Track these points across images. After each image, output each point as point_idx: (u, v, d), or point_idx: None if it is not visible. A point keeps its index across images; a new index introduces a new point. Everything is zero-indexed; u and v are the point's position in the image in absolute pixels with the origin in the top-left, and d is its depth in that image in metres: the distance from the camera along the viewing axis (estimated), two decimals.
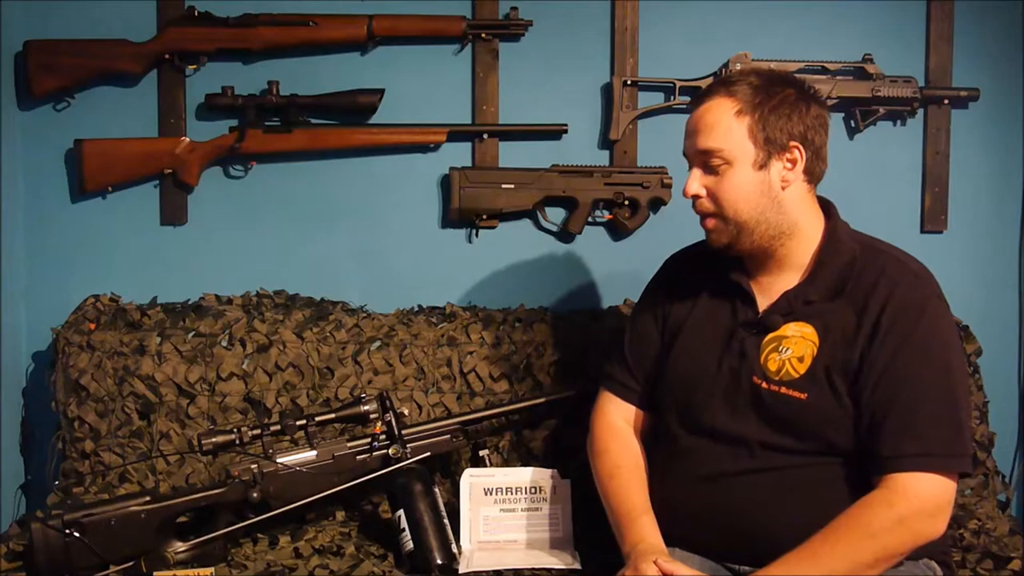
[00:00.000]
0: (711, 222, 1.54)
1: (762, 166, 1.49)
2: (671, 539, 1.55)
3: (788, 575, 1.37)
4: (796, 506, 1.45)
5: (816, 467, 1.47)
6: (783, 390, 1.48)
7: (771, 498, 1.47)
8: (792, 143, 1.49)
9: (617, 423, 1.70)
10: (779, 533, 1.43)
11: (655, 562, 1.42)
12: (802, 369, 1.47)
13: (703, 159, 1.52)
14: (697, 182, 1.53)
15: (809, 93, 1.53)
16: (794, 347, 1.49)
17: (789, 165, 1.50)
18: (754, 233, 1.51)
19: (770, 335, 1.52)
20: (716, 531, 1.51)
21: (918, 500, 1.38)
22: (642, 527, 1.53)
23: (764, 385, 1.49)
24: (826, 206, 1.58)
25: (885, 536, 1.37)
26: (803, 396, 1.46)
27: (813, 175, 1.53)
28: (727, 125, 1.49)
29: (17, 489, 2.22)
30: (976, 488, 2.02)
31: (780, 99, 1.49)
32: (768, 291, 1.55)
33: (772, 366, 1.50)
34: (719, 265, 1.60)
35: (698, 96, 1.56)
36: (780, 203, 1.51)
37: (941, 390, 1.43)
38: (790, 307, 1.52)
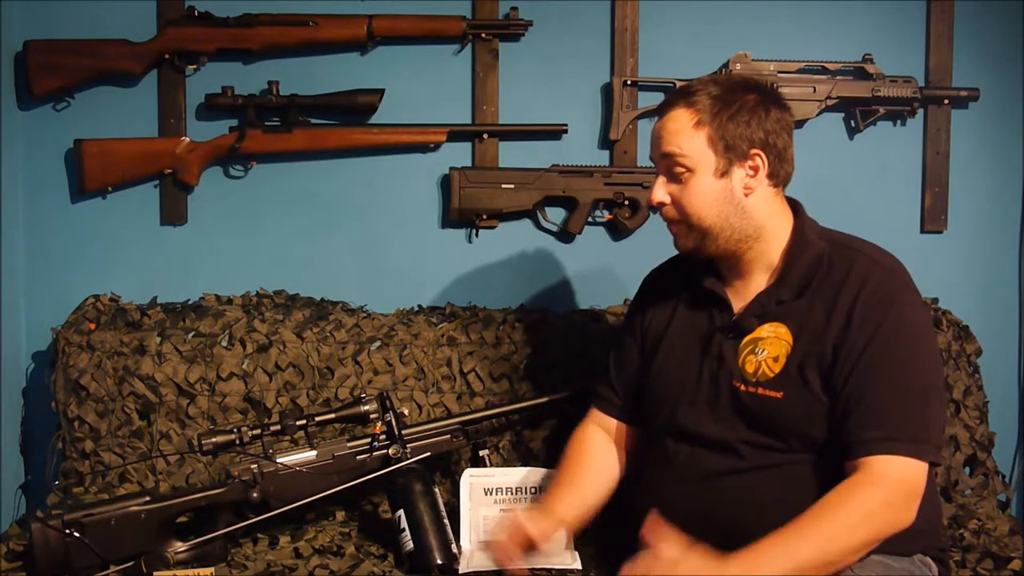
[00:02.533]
0: (676, 228, 1.57)
1: (724, 174, 1.51)
2: None
3: (771, 553, 1.36)
4: (786, 502, 1.45)
5: (802, 464, 1.47)
6: (760, 390, 1.49)
7: (761, 496, 1.48)
8: (753, 150, 1.51)
9: (588, 431, 1.75)
10: (771, 530, 1.43)
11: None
12: (777, 368, 1.49)
13: (666, 165, 1.54)
14: (662, 189, 1.55)
15: (771, 97, 1.54)
16: (769, 347, 1.50)
17: (751, 172, 1.52)
18: (719, 238, 1.53)
19: (747, 338, 1.53)
20: (711, 532, 1.51)
21: (895, 483, 1.39)
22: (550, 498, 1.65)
23: (742, 387, 1.51)
24: (794, 205, 1.59)
25: (876, 519, 1.37)
26: (779, 395, 1.47)
27: (778, 178, 1.54)
28: (688, 135, 1.51)
29: (17, 489, 2.21)
30: (976, 488, 2.02)
31: (738, 107, 1.50)
32: (742, 295, 1.57)
33: (749, 368, 1.51)
34: (694, 274, 1.62)
35: (660, 105, 1.58)
36: (744, 209, 1.52)
37: (910, 377, 1.43)
38: (763, 309, 1.53)
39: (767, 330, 1.52)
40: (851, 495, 1.39)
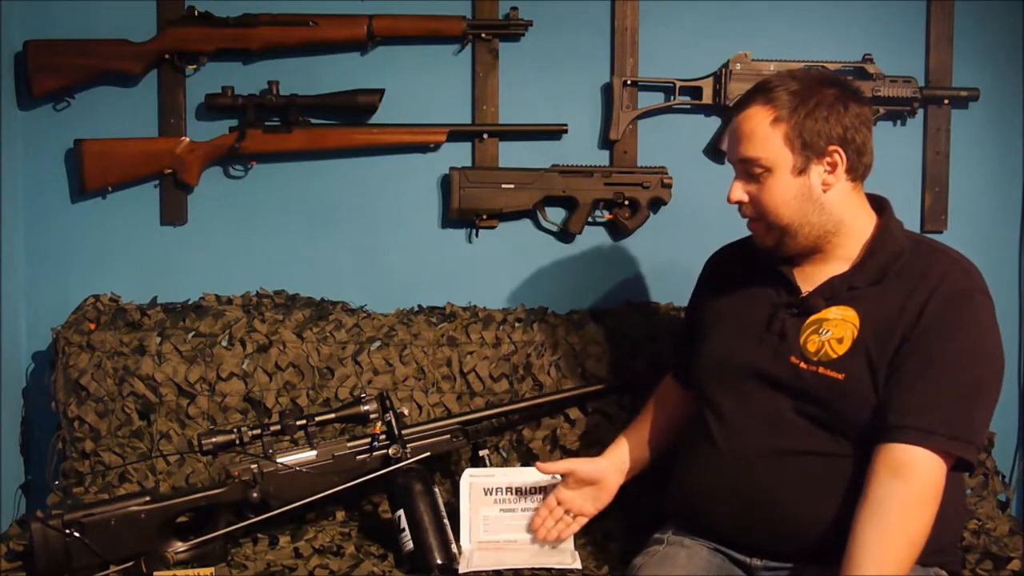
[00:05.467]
0: (756, 226, 1.58)
1: (801, 171, 1.51)
2: (692, 522, 1.60)
3: None
4: (818, 493, 1.47)
5: (843, 459, 1.47)
6: (820, 370, 1.49)
7: (795, 481, 1.48)
8: (831, 147, 1.50)
9: (662, 388, 1.84)
10: (798, 518, 1.46)
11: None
12: (841, 350, 1.48)
13: (744, 167, 1.54)
14: (740, 189, 1.55)
15: (850, 92, 1.53)
16: (834, 329, 1.50)
17: (829, 168, 1.51)
18: (798, 235, 1.53)
19: (812, 317, 1.53)
20: (736, 513, 1.52)
21: (923, 479, 1.39)
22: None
23: (802, 365, 1.50)
24: (880, 202, 1.59)
25: (919, 536, 1.38)
26: (840, 376, 1.47)
27: (856, 172, 1.53)
28: (764, 133, 1.50)
29: (17, 489, 2.22)
30: (976, 488, 2.02)
31: (816, 103, 1.49)
32: (812, 279, 1.56)
33: (811, 347, 1.51)
34: (762, 256, 1.61)
35: (738, 102, 1.57)
36: (822, 205, 1.52)
37: (962, 372, 1.43)
38: (833, 291, 1.53)
39: (834, 312, 1.51)
40: (886, 504, 1.38)
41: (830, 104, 1.50)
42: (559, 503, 1.77)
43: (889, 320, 1.46)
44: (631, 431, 1.82)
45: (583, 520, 1.78)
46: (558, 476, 1.78)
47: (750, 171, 1.53)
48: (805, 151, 1.50)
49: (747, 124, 1.52)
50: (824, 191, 1.51)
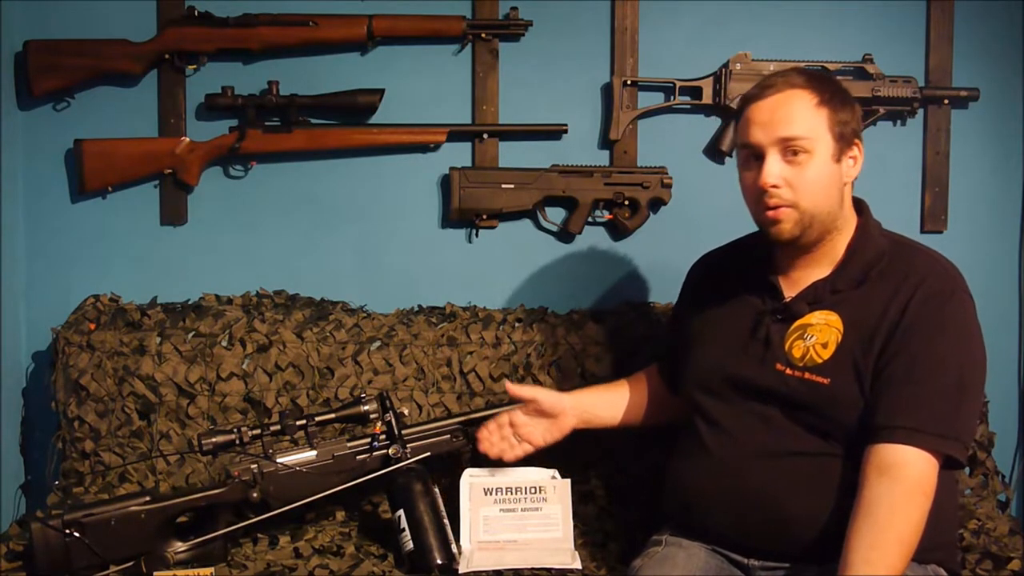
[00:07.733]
0: (785, 212, 1.49)
1: (837, 159, 1.51)
2: (688, 524, 1.60)
3: None
4: (811, 493, 1.47)
5: (835, 459, 1.47)
6: (806, 375, 1.49)
7: (788, 482, 1.48)
8: (856, 140, 1.53)
9: (646, 374, 1.86)
10: (792, 519, 1.46)
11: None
12: (826, 355, 1.49)
13: (784, 146, 1.48)
14: (776, 169, 1.48)
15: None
16: (818, 334, 1.50)
17: (852, 161, 1.53)
18: (822, 225, 1.51)
19: (796, 323, 1.53)
20: (732, 515, 1.53)
21: (913, 478, 1.39)
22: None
23: (788, 371, 1.51)
24: (858, 204, 1.59)
25: (910, 535, 1.38)
26: (826, 381, 1.48)
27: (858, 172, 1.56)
28: (810, 114, 1.48)
29: (17, 489, 2.21)
30: (976, 488, 2.02)
31: (843, 96, 1.52)
32: (796, 284, 1.56)
33: (796, 353, 1.51)
34: (745, 263, 1.62)
35: (765, 87, 1.52)
36: (843, 198, 1.53)
37: (947, 371, 1.43)
38: (816, 296, 1.53)
39: (818, 317, 1.52)
40: (905, 515, 1.38)
41: (850, 99, 1.53)
42: (511, 424, 1.78)
43: (872, 322, 1.47)
44: (602, 389, 1.84)
45: (528, 448, 1.78)
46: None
47: (792, 150, 1.48)
48: (840, 140, 1.50)
49: (788, 105, 1.49)
50: (845, 183, 1.53)
